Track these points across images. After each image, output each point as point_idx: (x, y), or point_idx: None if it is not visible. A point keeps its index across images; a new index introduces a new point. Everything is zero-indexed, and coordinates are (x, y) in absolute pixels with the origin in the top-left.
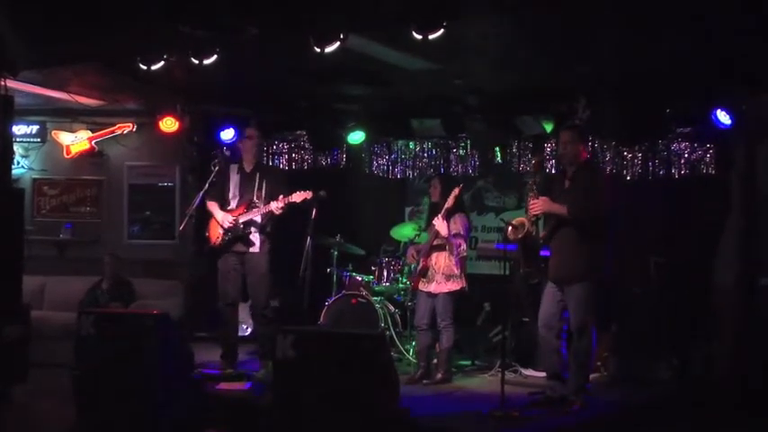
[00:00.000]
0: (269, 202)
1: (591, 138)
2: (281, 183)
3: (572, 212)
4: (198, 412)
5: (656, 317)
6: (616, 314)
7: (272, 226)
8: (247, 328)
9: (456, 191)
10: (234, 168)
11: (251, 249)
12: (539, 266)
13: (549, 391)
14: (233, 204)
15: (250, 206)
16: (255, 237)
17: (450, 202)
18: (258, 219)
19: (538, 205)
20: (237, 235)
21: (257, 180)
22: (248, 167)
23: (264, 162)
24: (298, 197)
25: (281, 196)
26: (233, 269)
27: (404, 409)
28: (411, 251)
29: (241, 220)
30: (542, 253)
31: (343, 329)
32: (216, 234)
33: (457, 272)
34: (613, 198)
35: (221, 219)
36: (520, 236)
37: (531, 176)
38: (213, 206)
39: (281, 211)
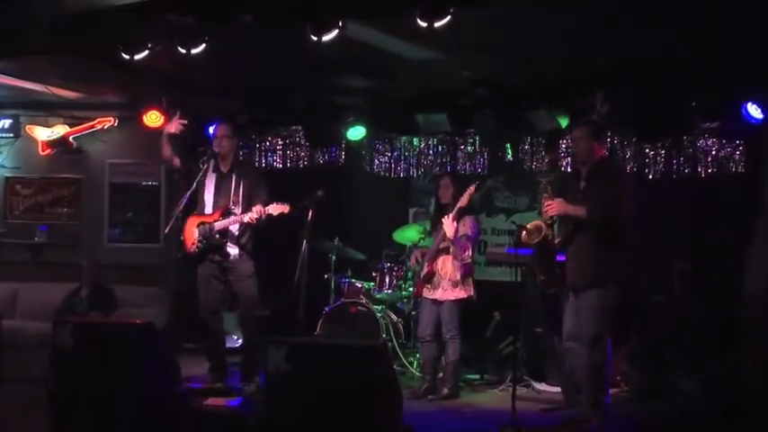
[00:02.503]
0: (247, 209)
1: (609, 133)
2: (261, 185)
3: (591, 214)
4: (184, 430)
5: (679, 327)
6: (636, 324)
7: (249, 237)
8: (238, 339)
9: (471, 189)
10: (210, 168)
11: (229, 258)
12: (555, 274)
13: (576, 406)
14: (209, 209)
15: (226, 213)
16: (233, 249)
17: (464, 200)
18: (235, 228)
19: (553, 206)
20: (212, 244)
21: (234, 182)
22: (224, 168)
23: (243, 160)
24: (274, 209)
25: (258, 206)
26: (213, 276)
27: (407, 427)
28: (416, 253)
29: (216, 227)
30: (558, 258)
31: (341, 340)
32: (191, 239)
33: (462, 278)
34: (634, 198)
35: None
36: (536, 241)
37: (544, 175)
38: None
39: (256, 221)
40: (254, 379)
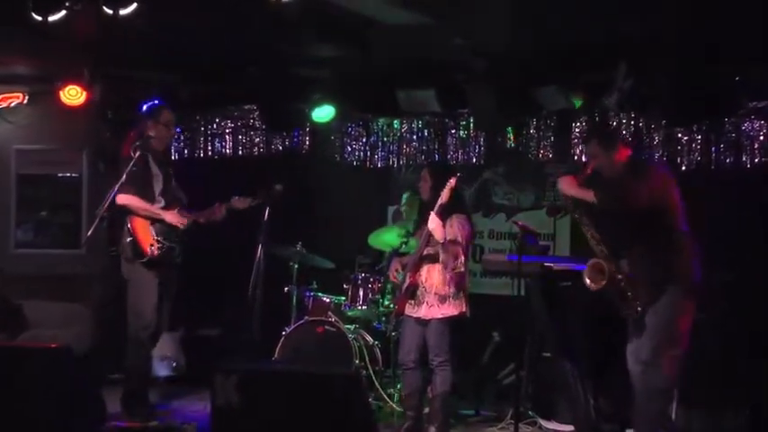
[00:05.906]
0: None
1: (633, 115)
2: None
3: (599, 197)
4: None
5: (721, 350)
6: None
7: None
8: (175, 363)
9: (452, 181)
10: (150, 158)
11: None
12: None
13: None
14: (161, 204)
15: (180, 210)
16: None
17: (444, 196)
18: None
19: (561, 183)
20: (173, 242)
21: (172, 176)
22: (164, 157)
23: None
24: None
25: (218, 204)
26: (159, 284)
27: None
28: (395, 265)
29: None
30: None
31: (304, 367)
32: (149, 240)
33: (452, 291)
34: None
35: (175, 219)
36: (603, 283)
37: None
38: (137, 200)
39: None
40: (143, 412)
